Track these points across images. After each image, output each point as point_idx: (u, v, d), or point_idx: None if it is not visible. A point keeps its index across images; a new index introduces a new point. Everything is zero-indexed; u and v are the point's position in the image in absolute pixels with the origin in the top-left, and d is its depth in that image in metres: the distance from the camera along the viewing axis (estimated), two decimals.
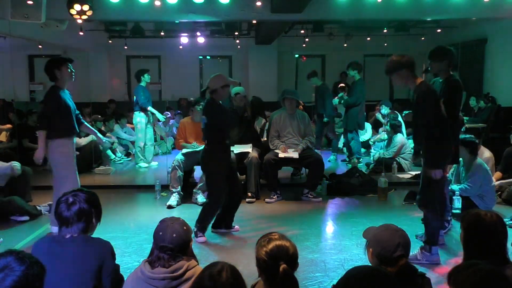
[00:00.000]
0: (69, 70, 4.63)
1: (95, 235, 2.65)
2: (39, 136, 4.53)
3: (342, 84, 9.72)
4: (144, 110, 8.11)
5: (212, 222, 4.76)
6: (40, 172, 6.38)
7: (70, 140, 4.65)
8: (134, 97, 8.21)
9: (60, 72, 4.59)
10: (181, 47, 12.46)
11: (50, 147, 4.55)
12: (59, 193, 4.41)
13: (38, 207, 5.42)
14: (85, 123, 5.03)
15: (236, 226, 4.91)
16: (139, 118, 8.16)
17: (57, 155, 4.57)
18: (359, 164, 7.79)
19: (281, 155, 6.09)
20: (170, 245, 2.34)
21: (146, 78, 8.15)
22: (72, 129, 4.68)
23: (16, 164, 5.46)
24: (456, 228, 4.70)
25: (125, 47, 12.34)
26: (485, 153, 5.98)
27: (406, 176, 7.29)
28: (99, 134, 5.28)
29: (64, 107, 4.57)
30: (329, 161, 8.66)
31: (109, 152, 8.69)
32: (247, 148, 6.25)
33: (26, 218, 5.23)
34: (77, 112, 4.84)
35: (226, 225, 4.85)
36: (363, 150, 9.16)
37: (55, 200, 4.54)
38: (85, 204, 2.57)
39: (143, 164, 8.35)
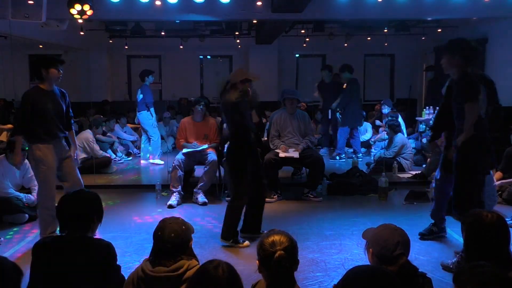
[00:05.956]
0: (57, 71, 4.35)
1: (96, 235, 2.65)
2: (15, 142, 4.36)
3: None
4: (148, 108, 8.23)
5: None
6: None
7: (47, 145, 4.33)
8: (141, 95, 8.26)
9: (47, 72, 4.31)
10: (181, 46, 12.47)
11: (29, 151, 4.37)
12: (40, 197, 4.43)
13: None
14: (73, 131, 4.76)
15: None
16: (147, 116, 8.27)
17: (33, 161, 4.35)
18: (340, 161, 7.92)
19: (282, 154, 6.09)
20: (169, 245, 2.35)
21: (150, 79, 8.33)
22: (50, 135, 4.36)
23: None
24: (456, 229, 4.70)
25: (126, 47, 12.34)
26: None
27: (407, 176, 7.30)
28: (77, 152, 4.96)
29: (41, 110, 4.28)
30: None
31: (110, 152, 8.71)
32: None
33: (25, 216, 5.23)
34: (72, 115, 4.62)
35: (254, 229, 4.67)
36: (363, 149, 9.20)
37: (38, 203, 4.53)
38: (86, 204, 2.58)
39: (159, 161, 8.51)
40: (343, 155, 8.68)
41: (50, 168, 4.36)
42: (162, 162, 8.46)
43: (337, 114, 8.80)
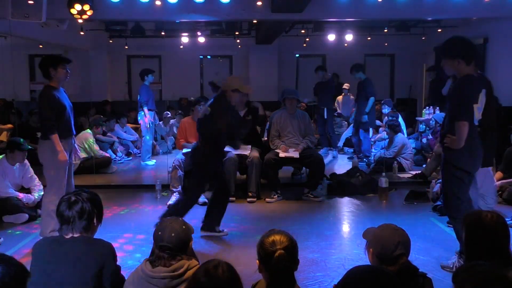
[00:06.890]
0: (65, 71, 4.46)
1: (96, 235, 2.65)
2: (54, 140, 4.31)
3: (347, 84, 9.77)
4: (142, 107, 8.21)
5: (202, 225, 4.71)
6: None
7: (63, 143, 4.39)
8: (139, 96, 8.27)
9: (55, 71, 4.41)
10: (181, 46, 12.46)
11: (42, 147, 4.39)
12: (47, 195, 4.42)
13: (38, 211, 5.39)
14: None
15: (225, 230, 4.77)
16: (143, 116, 8.27)
17: (48, 155, 4.37)
18: (361, 163, 7.84)
19: (282, 154, 6.09)
20: (169, 244, 2.35)
21: (149, 78, 8.32)
22: (66, 131, 4.46)
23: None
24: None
25: (126, 47, 12.34)
26: None
27: (407, 176, 7.29)
28: (77, 149, 4.98)
29: (58, 108, 4.38)
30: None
31: (110, 152, 8.71)
32: (245, 150, 6.24)
33: (25, 216, 5.23)
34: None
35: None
36: None
37: (44, 201, 4.52)
38: (86, 204, 2.57)
39: (150, 162, 8.55)
40: (371, 158, 8.60)
41: (64, 165, 4.41)
42: (153, 162, 8.57)
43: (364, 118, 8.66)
